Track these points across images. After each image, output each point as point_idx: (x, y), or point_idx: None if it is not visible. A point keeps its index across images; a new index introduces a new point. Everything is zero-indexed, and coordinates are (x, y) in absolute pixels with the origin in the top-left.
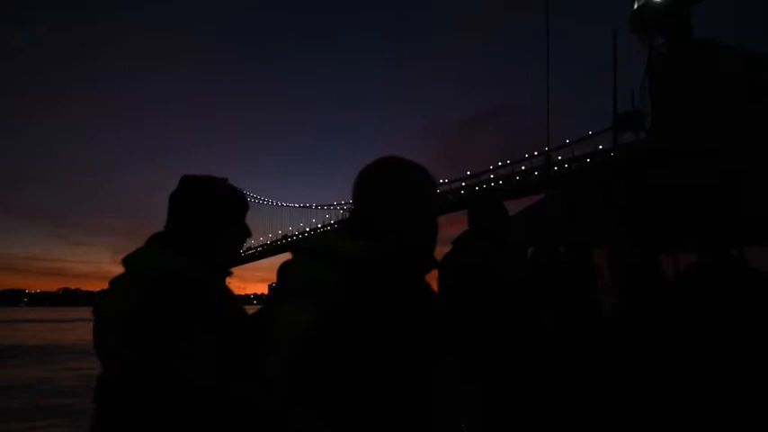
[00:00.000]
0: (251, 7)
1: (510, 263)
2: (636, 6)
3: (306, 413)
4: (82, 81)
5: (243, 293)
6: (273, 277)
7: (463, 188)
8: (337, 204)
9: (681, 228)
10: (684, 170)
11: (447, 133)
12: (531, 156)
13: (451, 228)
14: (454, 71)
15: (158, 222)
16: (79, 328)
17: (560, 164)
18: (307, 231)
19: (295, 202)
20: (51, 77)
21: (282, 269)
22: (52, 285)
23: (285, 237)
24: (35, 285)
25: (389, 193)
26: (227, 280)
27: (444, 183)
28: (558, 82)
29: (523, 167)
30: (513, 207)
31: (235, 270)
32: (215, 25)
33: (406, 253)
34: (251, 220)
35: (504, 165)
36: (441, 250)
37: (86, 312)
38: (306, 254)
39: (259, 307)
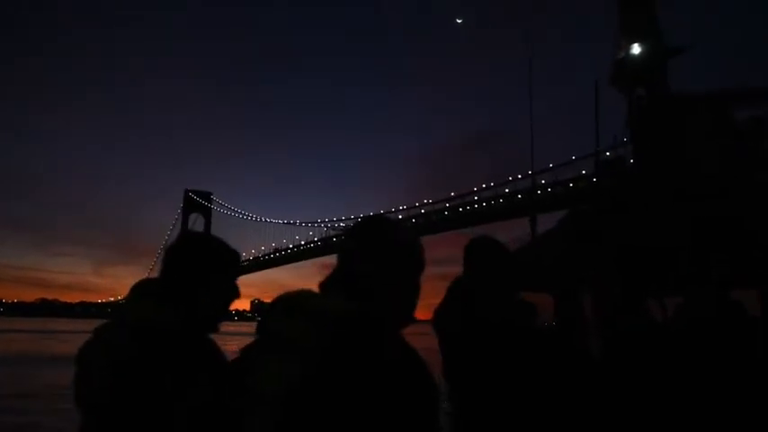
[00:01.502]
0: (235, 37)
1: (508, 311)
2: (615, 60)
3: None
4: (68, 94)
5: None
6: (256, 293)
7: (447, 209)
8: (321, 221)
9: (666, 272)
10: (667, 215)
11: (433, 156)
12: (515, 179)
13: (436, 249)
14: (440, 95)
15: (142, 236)
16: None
17: (544, 187)
18: (290, 248)
19: (279, 218)
20: (38, 89)
21: (266, 322)
22: (30, 295)
23: (268, 253)
24: (11, 295)
25: (384, 255)
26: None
27: (428, 203)
28: (544, 106)
29: (507, 190)
30: (497, 229)
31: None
32: (200, 43)
33: (392, 312)
34: (235, 235)
35: (489, 187)
36: (428, 271)
37: (64, 324)
38: (292, 311)
39: (239, 325)
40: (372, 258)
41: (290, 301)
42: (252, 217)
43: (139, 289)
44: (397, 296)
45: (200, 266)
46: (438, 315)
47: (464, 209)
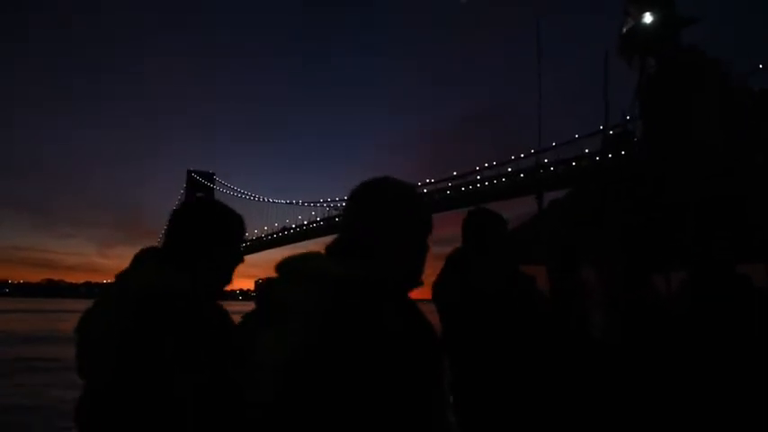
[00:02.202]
0: (242, 10)
1: (514, 283)
2: (624, 30)
3: None
4: (69, 75)
5: (230, 289)
6: (260, 273)
7: (449, 188)
8: (323, 201)
9: (673, 245)
10: (677, 188)
11: (436, 135)
12: (518, 158)
13: (438, 229)
14: (445, 72)
15: (146, 217)
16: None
17: (546, 166)
18: (294, 228)
19: (282, 198)
20: (39, 71)
21: (266, 289)
22: (35, 276)
23: (272, 233)
24: (17, 276)
25: (384, 213)
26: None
27: (430, 182)
28: (549, 85)
29: (510, 169)
30: (501, 208)
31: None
32: (205, 21)
33: (395, 274)
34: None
35: (491, 166)
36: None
37: (70, 304)
38: (293, 275)
39: (244, 304)
40: (373, 219)
41: (291, 266)
42: (255, 197)
43: (142, 256)
44: (399, 257)
45: (204, 232)
46: (436, 286)
47: (466, 188)
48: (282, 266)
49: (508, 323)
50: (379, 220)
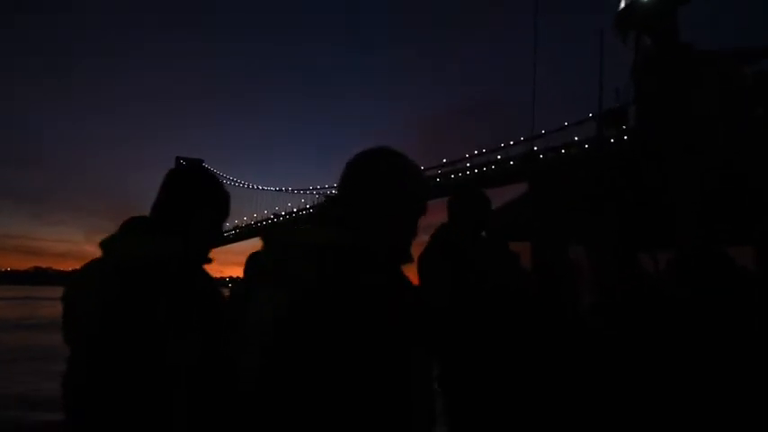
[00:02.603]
0: (243, 9)
1: (491, 257)
2: (622, 5)
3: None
4: (60, 62)
5: (219, 276)
6: None
7: (439, 176)
8: (313, 189)
9: (661, 225)
10: (669, 168)
11: (427, 124)
12: (507, 145)
13: (427, 216)
14: (438, 61)
15: (135, 203)
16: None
17: (536, 154)
18: (283, 215)
19: (271, 185)
20: (29, 58)
21: (253, 258)
22: (23, 264)
23: (261, 220)
24: (5, 263)
25: (374, 184)
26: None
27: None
28: (543, 72)
29: (499, 156)
30: (493, 196)
31: (212, 253)
32: (205, 21)
33: (382, 245)
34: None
35: (481, 154)
36: (421, 238)
37: (58, 291)
38: (279, 243)
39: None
40: (362, 189)
41: (279, 234)
42: (244, 184)
43: (127, 224)
44: (386, 229)
45: (193, 195)
46: (422, 259)
47: (456, 176)
48: (270, 235)
49: (496, 302)
50: (367, 191)
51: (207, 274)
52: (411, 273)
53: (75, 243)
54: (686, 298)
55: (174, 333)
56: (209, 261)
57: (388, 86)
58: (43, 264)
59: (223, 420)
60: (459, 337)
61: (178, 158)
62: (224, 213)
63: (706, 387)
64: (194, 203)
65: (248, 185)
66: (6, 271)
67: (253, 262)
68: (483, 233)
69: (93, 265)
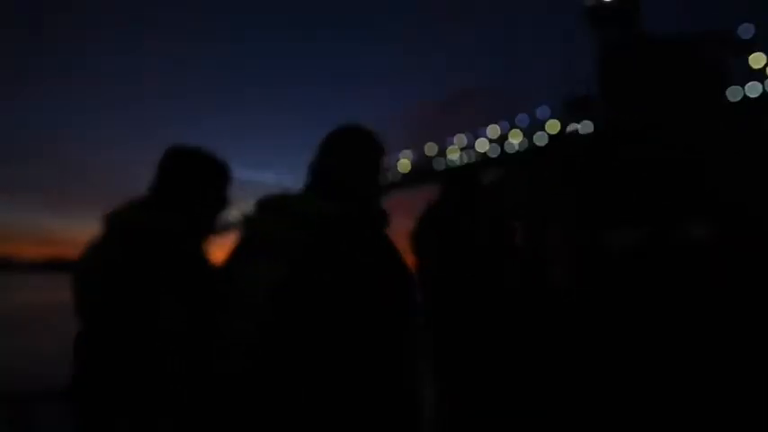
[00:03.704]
0: None
1: (482, 226)
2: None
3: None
4: (71, 58)
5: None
6: None
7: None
8: (315, 160)
9: (626, 206)
10: (635, 152)
11: (416, 112)
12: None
13: (418, 203)
14: (428, 52)
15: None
16: None
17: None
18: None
19: (263, 177)
20: (41, 56)
21: (246, 224)
22: (40, 253)
23: None
24: (24, 252)
25: (356, 157)
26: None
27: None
28: (527, 60)
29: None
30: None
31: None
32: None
33: (367, 211)
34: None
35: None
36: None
37: None
38: (273, 212)
39: None
40: (350, 162)
41: (274, 203)
42: (239, 177)
43: (132, 201)
44: (372, 197)
45: (190, 177)
46: (411, 234)
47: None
48: (265, 204)
49: (482, 272)
50: (355, 165)
51: (203, 248)
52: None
53: (90, 233)
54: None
55: (168, 300)
56: (207, 241)
57: (387, 72)
58: (59, 253)
59: (216, 386)
60: (450, 307)
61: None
62: (226, 194)
63: (664, 365)
64: (192, 185)
65: (244, 174)
66: (24, 261)
67: (247, 228)
68: (473, 205)
69: (99, 238)
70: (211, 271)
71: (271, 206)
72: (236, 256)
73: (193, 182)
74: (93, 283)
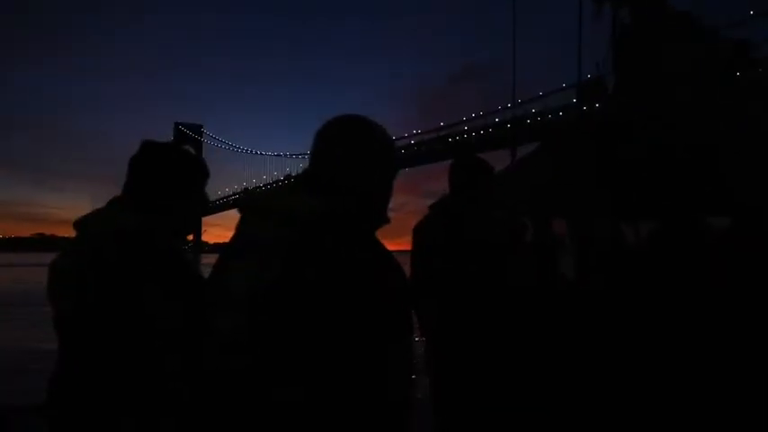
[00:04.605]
0: None
1: (491, 229)
2: None
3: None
4: (66, 33)
5: (218, 242)
6: None
7: (436, 140)
8: (309, 154)
9: (643, 196)
10: (650, 139)
11: (425, 88)
12: (504, 107)
13: (427, 182)
14: (433, 25)
15: None
16: None
17: (534, 116)
18: (281, 180)
19: (270, 150)
20: (38, 29)
21: (239, 223)
22: (27, 230)
23: (259, 186)
24: (9, 230)
25: (350, 150)
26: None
27: (417, 134)
28: (544, 34)
29: (497, 119)
30: (492, 159)
31: (214, 219)
32: None
33: (362, 209)
34: (227, 167)
35: (478, 116)
36: (421, 204)
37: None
38: (260, 212)
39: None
40: (341, 156)
41: (260, 202)
42: (243, 149)
43: (110, 204)
44: (366, 195)
45: (169, 184)
46: (420, 231)
47: (453, 139)
48: (251, 202)
49: (486, 269)
50: (347, 158)
51: (179, 249)
52: (397, 242)
53: (78, 209)
54: (663, 267)
55: (160, 299)
56: (185, 243)
57: (390, 51)
58: (46, 230)
59: (209, 382)
60: (450, 307)
61: (177, 124)
62: (203, 193)
63: (680, 360)
64: (174, 182)
65: (247, 150)
66: (10, 238)
67: (238, 228)
68: (482, 201)
69: (70, 243)
70: (195, 270)
71: (259, 204)
72: (223, 255)
73: (169, 180)
74: (66, 286)
